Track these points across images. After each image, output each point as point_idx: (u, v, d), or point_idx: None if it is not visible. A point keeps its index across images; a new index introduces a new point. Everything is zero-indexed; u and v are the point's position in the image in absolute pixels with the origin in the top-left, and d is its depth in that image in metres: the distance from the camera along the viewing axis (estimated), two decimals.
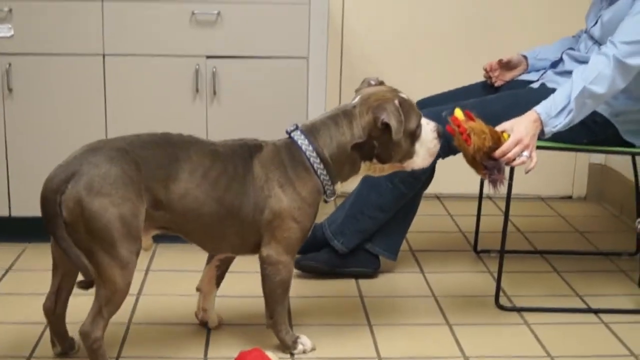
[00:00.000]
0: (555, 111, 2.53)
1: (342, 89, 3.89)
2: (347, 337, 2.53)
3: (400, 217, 2.97)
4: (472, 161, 2.44)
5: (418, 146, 2.35)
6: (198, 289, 2.56)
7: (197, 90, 3.13)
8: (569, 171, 4.06)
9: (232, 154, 2.29)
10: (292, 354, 2.40)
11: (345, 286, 2.91)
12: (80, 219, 2.08)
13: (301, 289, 2.84)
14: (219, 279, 2.55)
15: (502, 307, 2.77)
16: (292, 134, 2.35)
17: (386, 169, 2.41)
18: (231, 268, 2.77)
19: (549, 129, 2.54)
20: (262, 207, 2.28)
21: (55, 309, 2.29)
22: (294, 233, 2.30)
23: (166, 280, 2.93)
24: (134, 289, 2.74)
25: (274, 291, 2.34)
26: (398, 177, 2.82)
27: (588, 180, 4.08)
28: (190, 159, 2.23)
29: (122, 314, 2.56)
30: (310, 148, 2.31)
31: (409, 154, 2.35)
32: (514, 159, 2.46)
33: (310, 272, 2.96)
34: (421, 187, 2.93)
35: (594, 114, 2.65)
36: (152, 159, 2.19)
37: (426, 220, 3.57)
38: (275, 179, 2.29)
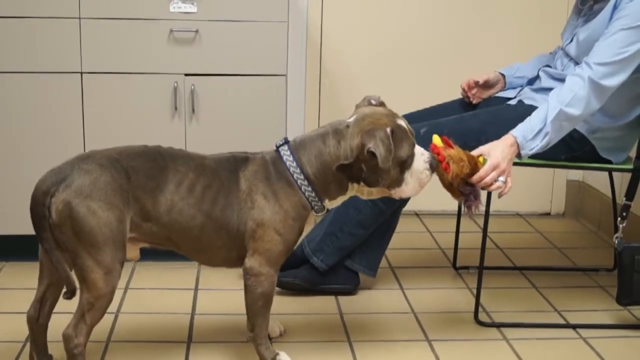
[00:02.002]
0: (531, 134, 2.56)
1: (321, 106, 3.91)
2: (327, 354, 2.54)
3: (380, 234, 2.98)
4: (450, 187, 2.47)
5: (408, 175, 2.32)
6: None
7: (175, 108, 3.14)
8: (547, 188, 4.10)
9: (218, 167, 2.32)
10: None
11: (324, 303, 2.92)
12: (68, 221, 2.13)
13: (281, 306, 2.85)
14: None
15: (481, 323, 2.79)
16: (279, 149, 2.37)
17: (374, 193, 2.39)
18: (211, 285, 2.78)
19: (526, 152, 2.57)
20: (245, 219, 2.30)
21: (38, 317, 2.30)
22: (276, 245, 2.32)
23: (145, 298, 2.93)
24: (113, 307, 2.75)
25: (255, 303, 2.35)
26: None
27: (566, 197, 4.12)
28: (177, 171, 2.27)
29: (101, 332, 2.58)
30: (294, 164, 2.32)
31: (398, 182, 2.32)
32: (491, 184, 2.48)
33: (290, 289, 2.97)
34: (400, 204, 2.93)
35: (572, 130, 2.68)
36: (141, 169, 2.23)
37: (405, 237, 3.59)
38: (259, 191, 2.30)
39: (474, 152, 2.51)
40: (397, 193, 2.35)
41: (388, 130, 2.25)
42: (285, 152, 2.34)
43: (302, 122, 3.15)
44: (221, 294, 2.93)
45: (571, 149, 2.78)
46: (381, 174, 2.28)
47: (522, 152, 2.57)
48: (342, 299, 2.96)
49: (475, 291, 2.83)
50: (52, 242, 2.14)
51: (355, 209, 2.91)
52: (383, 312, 2.88)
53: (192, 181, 2.27)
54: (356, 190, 2.38)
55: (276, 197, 2.31)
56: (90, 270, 2.15)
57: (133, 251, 2.31)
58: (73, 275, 2.19)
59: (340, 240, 2.94)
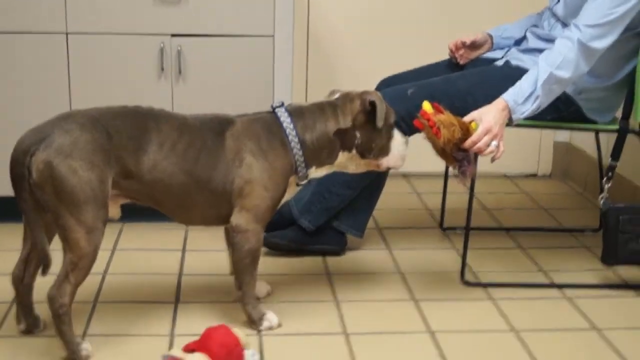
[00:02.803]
0: (522, 98, 2.56)
1: (309, 66, 3.89)
2: (314, 314, 2.55)
3: (367, 194, 2.98)
4: (442, 152, 2.46)
5: (392, 144, 2.47)
6: (232, 273, 2.58)
7: (162, 69, 3.12)
8: (534, 149, 4.11)
9: (201, 127, 2.34)
10: (258, 331, 2.42)
11: (312, 264, 2.93)
12: (49, 180, 2.12)
13: (268, 266, 2.86)
14: None
15: (467, 283, 2.80)
16: (276, 110, 2.40)
17: (361, 166, 2.49)
18: (199, 246, 2.78)
19: (517, 116, 2.57)
20: (232, 178, 2.32)
21: (23, 277, 2.31)
22: (263, 201, 2.34)
23: (133, 258, 2.93)
24: (100, 267, 2.76)
25: (243, 260, 2.37)
26: None
27: (553, 158, 4.13)
28: (159, 131, 2.28)
29: (88, 293, 2.59)
30: (291, 126, 2.37)
31: (386, 150, 2.45)
32: (484, 149, 2.49)
33: (277, 249, 2.98)
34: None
35: None
36: (123, 129, 2.23)
37: (393, 198, 3.59)
38: (247, 150, 2.33)
39: (465, 118, 2.51)
40: (384, 163, 2.49)
41: (379, 93, 2.40)
42: (282, 113, 2.39)
43: (289, 83, 3.13)
44: (209, 254, 2.94)
45: (558, 110, 2.78)
46: (374, 138, 2.41)
47: (514, 117, 2.57)
48: (330, 260, 2.97)
49: (461, 251, 2.85)
50: (30, 203, 2.14)
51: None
52: (370, 272, 2.90)
53: (174, 140, 2.28)
54: (347, 159, 2.45)
55: (265, 155, 2.34)
56: (72, 230, 2.15)
57: (114, 209, 2.32)
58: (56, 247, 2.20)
59: (328, 201, 2.94)
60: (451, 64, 3.06)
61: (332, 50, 3.90)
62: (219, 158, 2.32)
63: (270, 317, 2.44)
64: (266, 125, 2.37)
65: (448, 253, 3.08)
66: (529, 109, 2.57)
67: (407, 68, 3.06)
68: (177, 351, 2.08)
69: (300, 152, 2.37)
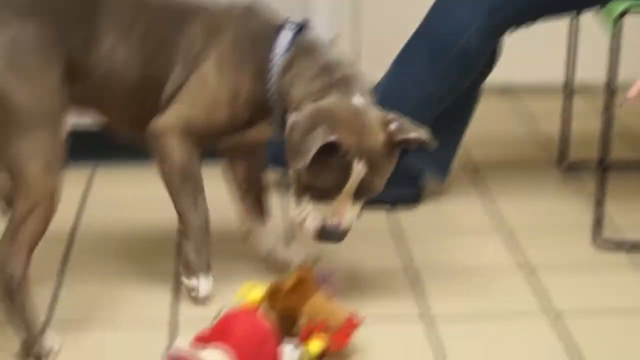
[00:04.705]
0: None
1: None
2: (384, 289, 2.56)
3: (452, 118, 3.02)
4: None
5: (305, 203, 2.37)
6: (245, 233, 2.68)
7: None
8: None
9: (164, 9, 2.45)
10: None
11: (375, 218, 2.94)
12: None
13: None
14: (258, 207, 2.67)
15: (603, 244, 2.80)
16: (283, 25, 2.43)
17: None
18: None
19: None
20: (182, 79, 2.42)
21: None
22: (197, 114, 2.42)
23: (107, 207, 3.05)
24: (68, 221, 2.79)
25: (168, 177, 2.45)
26: (446, 60, 2.88)
27: None
28: (111, 8, 2.38)
29: (51, 259, 2.63)
30: (279, 69, 2.38)
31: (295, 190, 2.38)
32: None
33: None
34: (481, 74, 2.97)
35: None
36: (67, 12, 2.32)
37: (489, 123, 3.60)
38: (211, 52, 2.42)
39: None
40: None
41: (333, 138, 2.23)
42: (287, 34, 2.41)
43: None
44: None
45: None
46: (292, 160, 2.30)
47: None
48: (401, 214, 2.99)
49: (594, 199, 2.85)
50: None
51: (415, 81, 2.94)
52: (458, 230, 2.91)
53: (131, 20, 2.39)
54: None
55: (230, 64, 2.41)
56: (24, 163, 2.20)
57: None
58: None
59: None
60: None
61: None
62: (179, 51, 2.42)
63: (203, 282, 2.50)
64: (253, 36, 2.43)
65: (573, 201, 3.09)
66: None
67: None
68: (185, 344, 2.09)
69: (274, 89, 2.39)
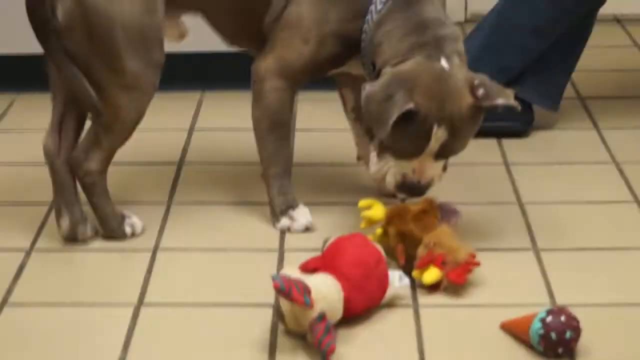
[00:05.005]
0: None
1: None
2: (491, 223, 2.55)
3: (564, 48, 2.99)
4: None
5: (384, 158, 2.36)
6: (359, 158, 2.70)
7: None
8: None
9: None
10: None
11: (484, 148, 2.93)
12: (80, 20, 2.27)
13: None
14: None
15: None
16: None
17: None
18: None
19: None
20: (280, 7, 2.42)
21: (59, 150, 2.43)
22: (298, 56, 2.42)
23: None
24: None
25: (258, 121, 2.48)
26: None
27: None
28: None
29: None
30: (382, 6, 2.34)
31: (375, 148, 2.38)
32: None
33: None
34: (593, 3, 2.92)
35: None
36: None
37: (602, 53, 3.57)
38: None
39: None
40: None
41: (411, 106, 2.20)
42: None
43: None
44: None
45: None
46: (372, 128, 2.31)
47: None
48: (508, 143, 2.98)
49: None
50: (62, 54, 2.26)
51: (529, 8, 2.91)
52: (571, 162, 2.89)
53: None
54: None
55: (330, 5, 2.39)
56: (110, 84, 2.30)
57: (176, 29, 2.52)
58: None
59: (504, 56, 2.95)
60: None
61: None
62: None
63: (299, 215, 2.49)
64: None
65: None
66: None
67: None
68: (292, 270, 2.09)
69: (369, 29, 2.35)
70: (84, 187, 2.40)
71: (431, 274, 2.18)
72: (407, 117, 2.16)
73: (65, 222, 2.43)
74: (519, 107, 2.28)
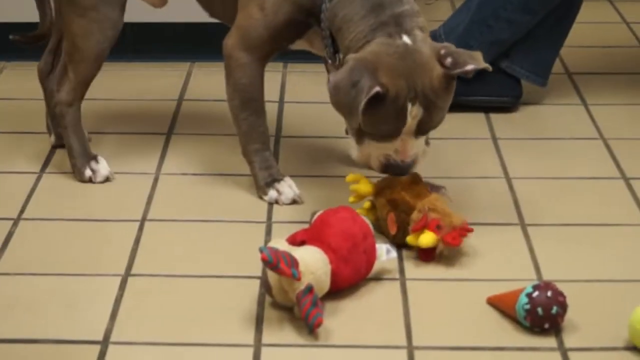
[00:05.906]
0: None
1: None
2: (479, 197, 2.55)
3: (552, 24, 2.98)
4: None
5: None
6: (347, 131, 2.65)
7: None
8: None
9: None
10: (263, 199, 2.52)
11: (472, 122, 2.93)
12: None
13: None
14: None
15: None
16: None
17: None
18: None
19: None
20: None
21: (51, 71, 2.64)
22: (255, 25, 2.43)
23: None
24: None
25: (230, 99, 2.50)
26: None
27: None
28: None
29: None
30: None
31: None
32: None
33: None
34: None
35: None
36: None
37: (591, 29, 3.57)
38: None
39: None
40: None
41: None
42: None
43: None
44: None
45: None
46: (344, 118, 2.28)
47: None
48: (496, 118, 2.97)
49: None
50: None
51: None
52: (558, 137, 2.88)
53: None
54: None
55: None
56: (67, 10, 2.47)
57: None
58: None
59: (494, 31, 2.94)
60: None
61: None
62: None
63: (284, 188, 2.49)
64: None
65: None
66: None
67: None
68: (279, 242, 2.08)
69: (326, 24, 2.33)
70: (56, 117, 2.57)
71: (427, 237, 2.18)
72: (377, 100, 2.12)
73: (52, 139, 2.69)
74: (490, 68, 2.24)
